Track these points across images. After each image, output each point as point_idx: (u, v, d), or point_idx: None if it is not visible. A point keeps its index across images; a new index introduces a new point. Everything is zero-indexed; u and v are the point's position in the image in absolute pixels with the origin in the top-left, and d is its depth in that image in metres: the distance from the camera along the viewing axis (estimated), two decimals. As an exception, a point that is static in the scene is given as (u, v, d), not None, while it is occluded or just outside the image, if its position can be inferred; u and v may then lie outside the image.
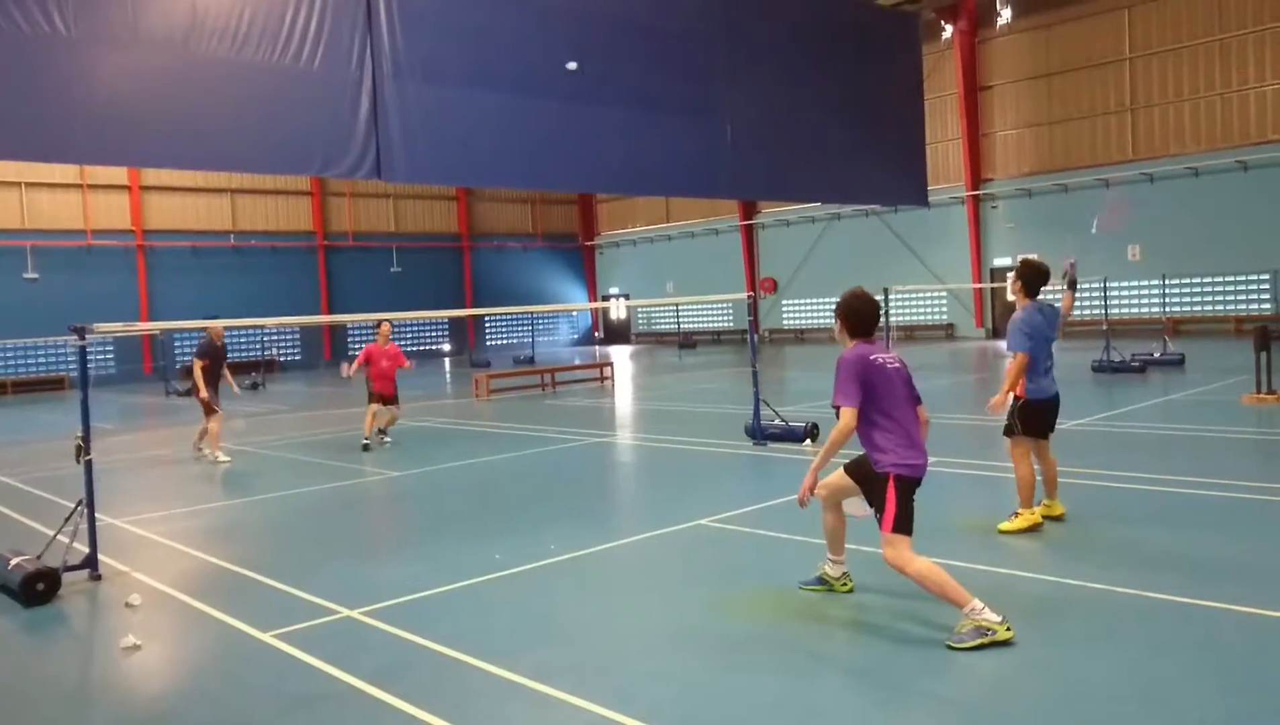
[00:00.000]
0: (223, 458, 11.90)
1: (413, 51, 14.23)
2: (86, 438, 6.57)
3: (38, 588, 6.08)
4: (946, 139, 31.60)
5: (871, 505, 4.98)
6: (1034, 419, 6.72)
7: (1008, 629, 4.52)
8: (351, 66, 13.74)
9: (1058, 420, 6.95)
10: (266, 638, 5.19)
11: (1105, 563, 5.79)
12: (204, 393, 11.83)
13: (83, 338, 6.58)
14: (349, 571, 6.52)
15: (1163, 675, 4.16)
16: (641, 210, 42.41)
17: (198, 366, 11.94)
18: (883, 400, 4.85)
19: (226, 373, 12.51)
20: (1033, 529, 6.59)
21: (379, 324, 12.94)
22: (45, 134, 11.91)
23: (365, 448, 12.23)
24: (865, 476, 4.99)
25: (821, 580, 5.49)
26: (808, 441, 10.97)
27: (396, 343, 13.27)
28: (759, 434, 11.28)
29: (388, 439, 12.87)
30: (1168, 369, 17.71)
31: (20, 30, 11.31)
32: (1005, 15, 28.41)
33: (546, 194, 41.96)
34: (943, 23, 30.15)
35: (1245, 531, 6.49)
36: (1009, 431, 6.79)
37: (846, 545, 5.50)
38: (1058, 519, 6.81)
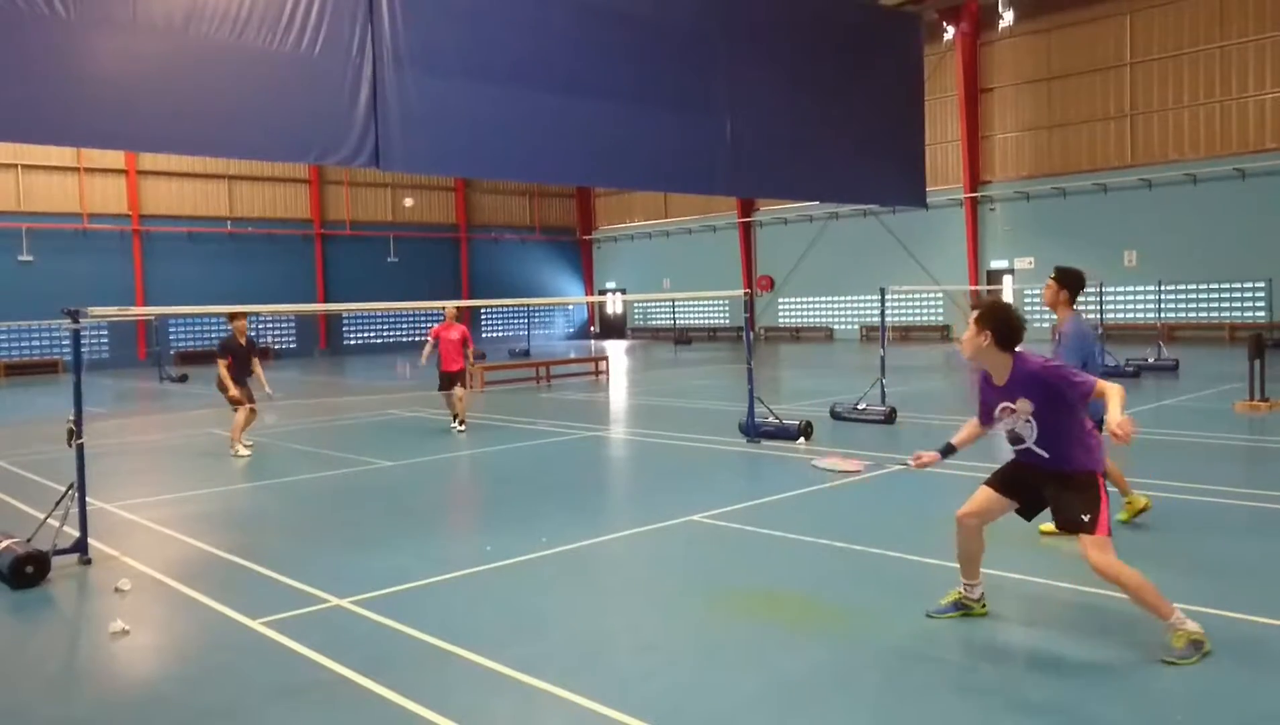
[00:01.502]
0: (243, 451, 11.34)
1: (413, 41, 14.18)
2: (79, 421, 6.55)
3: (27, 571, 6.07)
4: (946, 140, 31.61)
5: (1058, 514, 4.61)
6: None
7: (1201, 644, 4.32)
8: (352, 55, 13.69)
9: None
10: (255, 625, 5.19)
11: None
12: (232, 391, 11.43)
13: (77, 321, 6.56)
14: (339, 560, 6.51)
15: (1147, 680, 4.17)
16: (639, 205, 42.38)
17: (221, 366, 11.56)
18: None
19: (258, 368, 11.88)
20: (1143, 512, 6.72)
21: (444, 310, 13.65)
22: (42, 116, 11.83)
23: (460, 431, 12.73)
24: (1025, 484, 4.74)
25: (958, 605, 5.01)
26: (801, 439, 10.98)
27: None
28: (753, 431, 11.28)
29: (461, 429, 12.89)
30: (1161, 375, 17.75)
31: (19, 11, 11.24)
32: (1007, 18, 28.40)
33: (545, 187, 41.90)
34: (944, 24, 30.14)
35: (1235, 538, 6.52)
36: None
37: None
38: (1145, 510, 6.77)
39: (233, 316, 11.68)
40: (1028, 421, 4.60)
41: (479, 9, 15.00)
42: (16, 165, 29.14)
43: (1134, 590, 4.39)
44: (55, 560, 6.30)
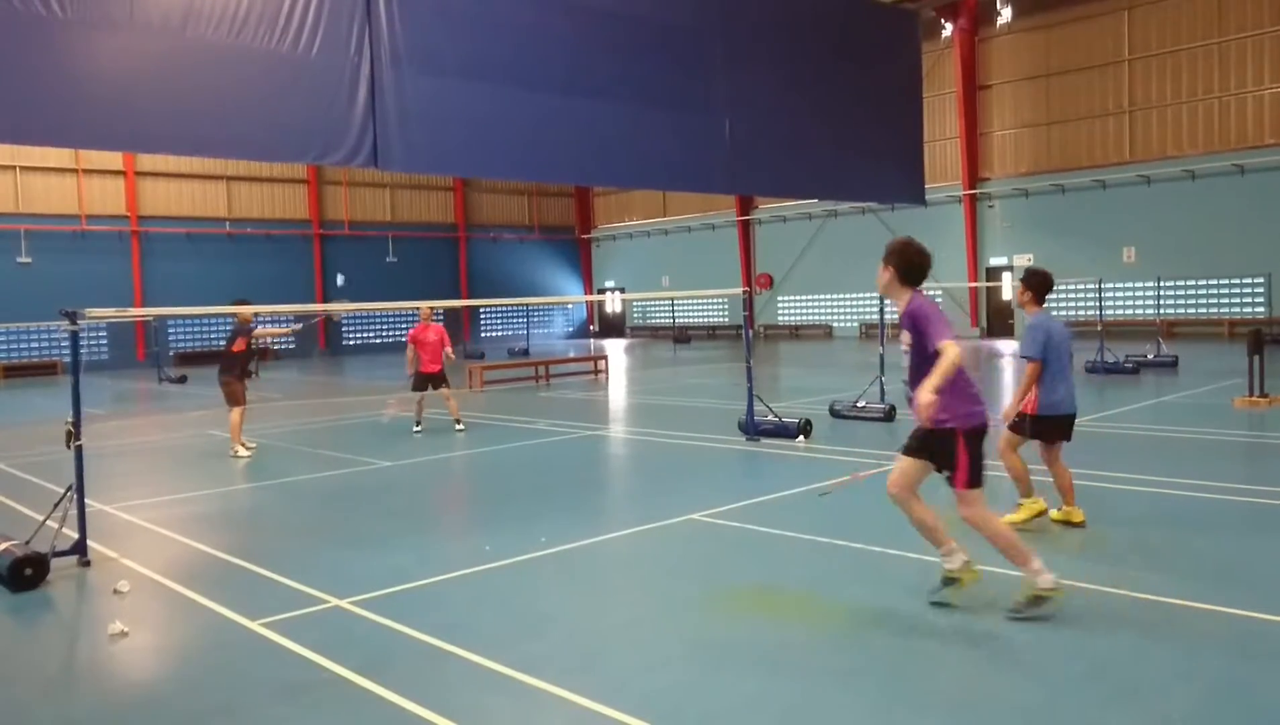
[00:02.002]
0: (243, 452, 11.30)
1: (411, 40, 14.16)
2: (77, 423, 6.54)
3: (26, 573, 6.06)
4: (944, 138, 31.60)
5: (940, 468, 4.97)
6: (1045, 430, 6.64)
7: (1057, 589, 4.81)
8: (350, 54, 13.67)
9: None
10: (254, 626, 5.18)
11: (1092, 563, 5.80)
12: (280, 331, 11.85)
13: (75, 323, 6.55)
14: (338, 561, 6.51)
15: (1147, 676, 4.17)
16: (638, 204, 42.37)
17: (241, 343, 11.58)
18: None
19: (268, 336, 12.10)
20: (1039, 516, 6.60)
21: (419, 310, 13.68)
22: (39, 117, 11.80)
23: (459, 430, 12.78)
24: (926, 444, 4.96)
25: (945, 582, 5.11)
26: (800, 438, 10.97)
27: (429, 327, 13.47)
28: (752, 430, 11.27)
29: (460, 427, 12.91)
30: (1161, 371, 17.75)
31: (15, 11, 11.22)
32: (1005, 15, 28.41)
33: (543, 186, 41.89)
34: (943, 21, 30.13)
35: (1234, 534, 6.51)
36: (1013, 428, 6.71)
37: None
38: (1078, 526, 6.60)
39: (239, 305, 11.38)
40: (905, 352, 5.02)
41: (476, 8, 14.98)
42: (14, 166, 29.12)
43: (993, 539, 4.95)
44: (54, 562, 6.29)
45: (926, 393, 4.53)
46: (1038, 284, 6.83)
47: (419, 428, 12.93)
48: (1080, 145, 28.99)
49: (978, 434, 4.87)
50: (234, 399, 11.49)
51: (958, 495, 4.90)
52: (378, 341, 37.11)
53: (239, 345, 11.64)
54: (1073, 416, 6.71)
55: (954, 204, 31.33)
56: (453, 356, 13.49)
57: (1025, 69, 29.86)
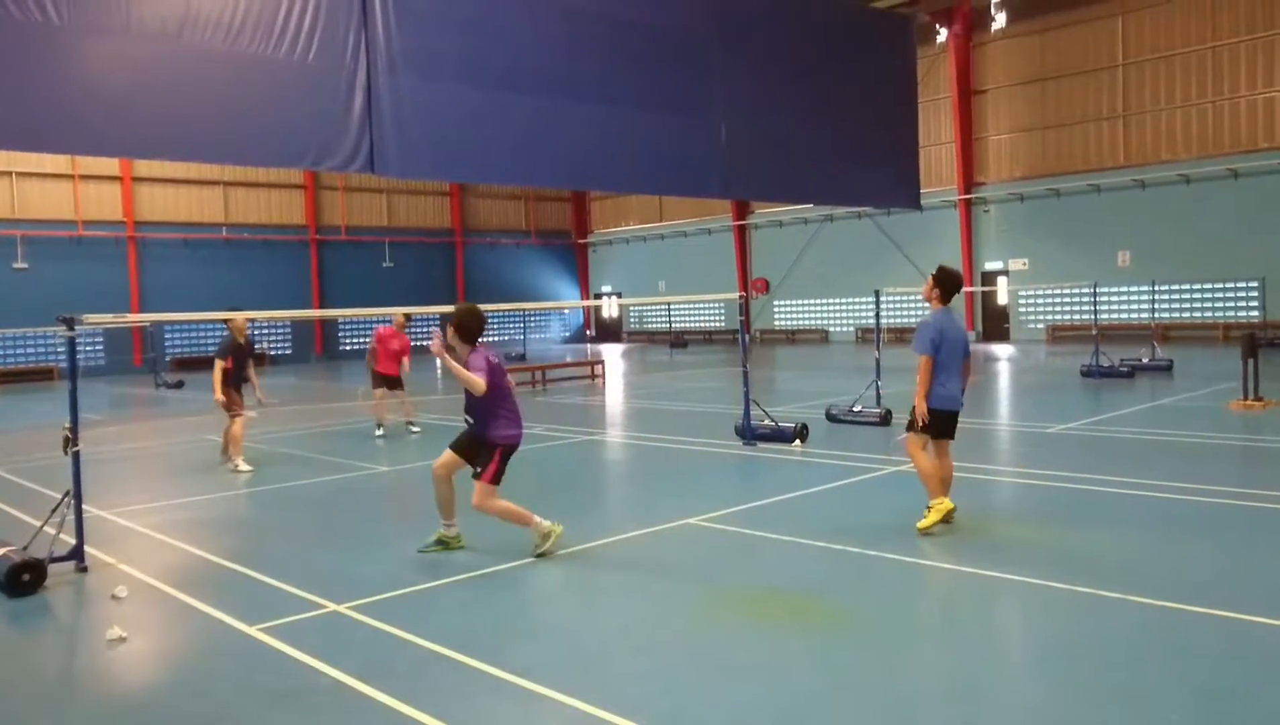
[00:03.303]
0: (244, 467, 10.63)
1: (407, 46, 14.20)
2: (75, 429, 6.55)
3: (23, 579, 6.06)
4: (939, 142, 31.67)
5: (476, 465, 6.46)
6: (932, 423, 6.86)
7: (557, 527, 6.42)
8: (346, 60, 13.69)
9: (957, 426, 7.07)
10: (252, 631, 5.19)
11: (1089, 567, 5.82)
12: (219, 396, 10.59)
13: (72, 328, 6.55)
14: (336, 566, 6.52)
15: (1144, 680, 4.19)
16: (635, 208, 42.42)
17: (218, 368, 10.72)
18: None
19: (252, 374, 11.19)
20: (946, 518, 6.71)
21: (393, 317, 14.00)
22: (36, 123, 11.82)
23: (380, 436, 13.00)
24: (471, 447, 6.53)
25: (440, 542, 6.70)
26: (797, 442, 10.99)
27: (409, 337, 13.99)
28: (749, 434, 11.29)
29: (415, 428, 13.22)
30: (1156, 374, 17.80)
31: (11, 18, 11.24)
32: (1000, 20, 28.50)
33: (540, 190, 41.91)
34: (937, 26, 30.21)
35: (1230, 537, 6.54)
36: (910, 427, 6.96)
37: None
38: (948, 515, 6.80)
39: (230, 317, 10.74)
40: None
41: (472, 14, 15.03)
42: (11, 172, 29.10)
43: (504, 515, 6.51)
44: (52, 568, 6.29)
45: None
46: (947, 281, 7.09)
47: (380, 432, 13.03)
48: (1075, 149, 29.07)
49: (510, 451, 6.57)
50: (233, 408, 10.82)
51: (477, 488, 6.44)
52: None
53: (225, 365, 10.75)
54: (956, 414, 7.00)
55: (949, 208, 31.41)
56: (407, 368, 13.49)
57: (1020, 74, 29.95)
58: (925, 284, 7.16)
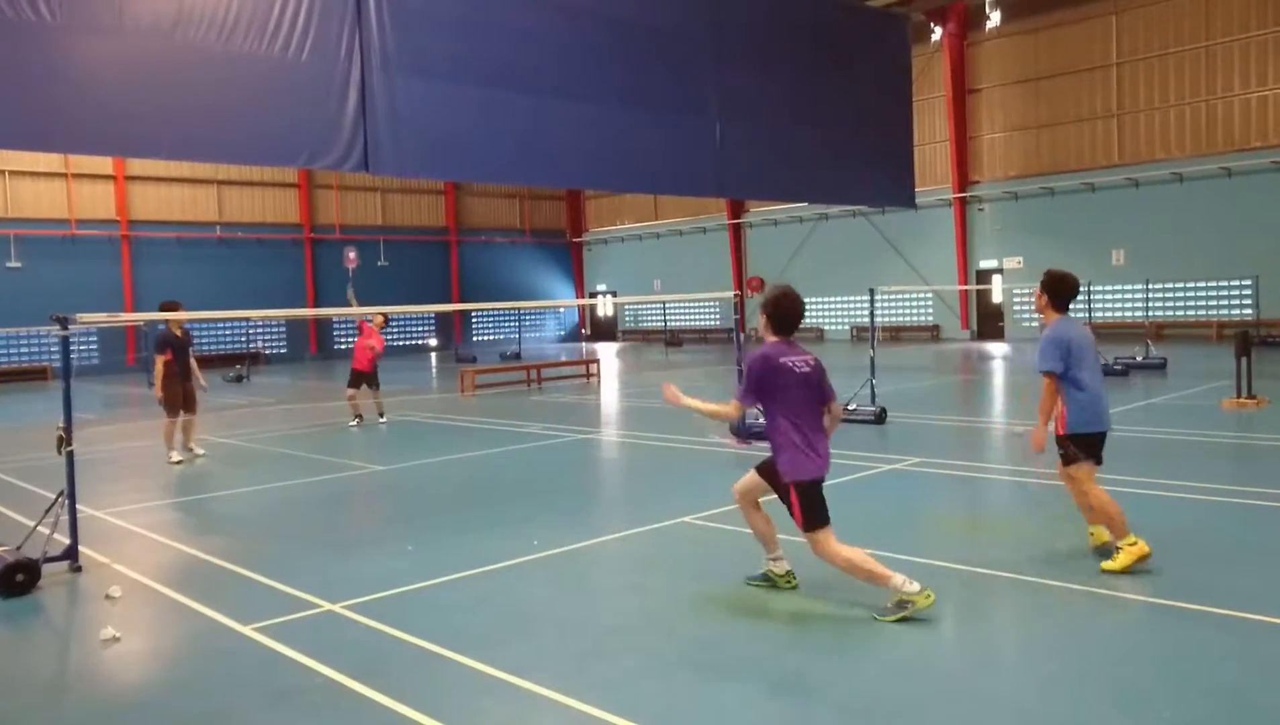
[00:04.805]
0: (175, 457, 11.05)
1: (401, 44, 14.16)
2: (68, 428, 6.53)
3: (17, 579, 6.05)
4: (934, 141, 31.72)
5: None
6: (1086, 447, 5.96)
7: (927, 596, 4.88)
8: (340, 58, 13.66)
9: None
10: (247, 631, 5.18)
11: (1080, 565, 5.84)
12: (159, 392, 11.03)
13: (65, 328, 6.54)
14: (330, 565, 6.51)
15: (1135, 676, 4.21)
16: (629, 207, 42.40)
17: (159, 362, 11.16)
18: (784, 402, 5.18)
19: (193, 363, 11.55)
20: (1142, 560, 5.58)
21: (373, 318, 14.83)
22: (28, 122, 11.77)
23: (356, 425, 13.93)
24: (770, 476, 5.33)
25: (766, 577, 5.64)
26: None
27: (383, 337, 14.93)
28: (744, 432, 11.30)
29: (383, 421, 14.11)
30: (1150, 373, 17.84)
31: (4, 16, 11.19)
32: (994, 19, 28.53)
33: (535, 189, 41.89)
34: (932, 25, 30.24)
35: (1225, 535, 6.56)
36: (1067, 460, 5.98)
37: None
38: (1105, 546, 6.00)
39: (167, 307, 10.80)
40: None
41: (466, 12, 14.99)
42: (4, 171, 29.00)
43: (849, 569, 5.06)
44: (46, 568, 6.28)
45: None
46: (1055, 286, 6.04)
47: (354, 423, 14.02)
48: (1069, 148, 29.13)
49: (810, 486, 5.14)
50: (170, 404, 11.12)
51: (808, 538, 5.20)
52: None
53: (166, 357, 11.13)
54: (1105, 435, 6.08)
55: (944, 207, 31.45)
56: (379, 351, 14.51)
57: (1014, 73, 30.00)
58: (1035, 296, 6.15)
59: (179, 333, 11.44)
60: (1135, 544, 5.59)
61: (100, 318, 7.47)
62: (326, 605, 5.56)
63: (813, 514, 5.09)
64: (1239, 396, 12.67)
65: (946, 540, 6.56)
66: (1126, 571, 5.55)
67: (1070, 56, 28.77)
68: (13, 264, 29.01)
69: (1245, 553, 6.05)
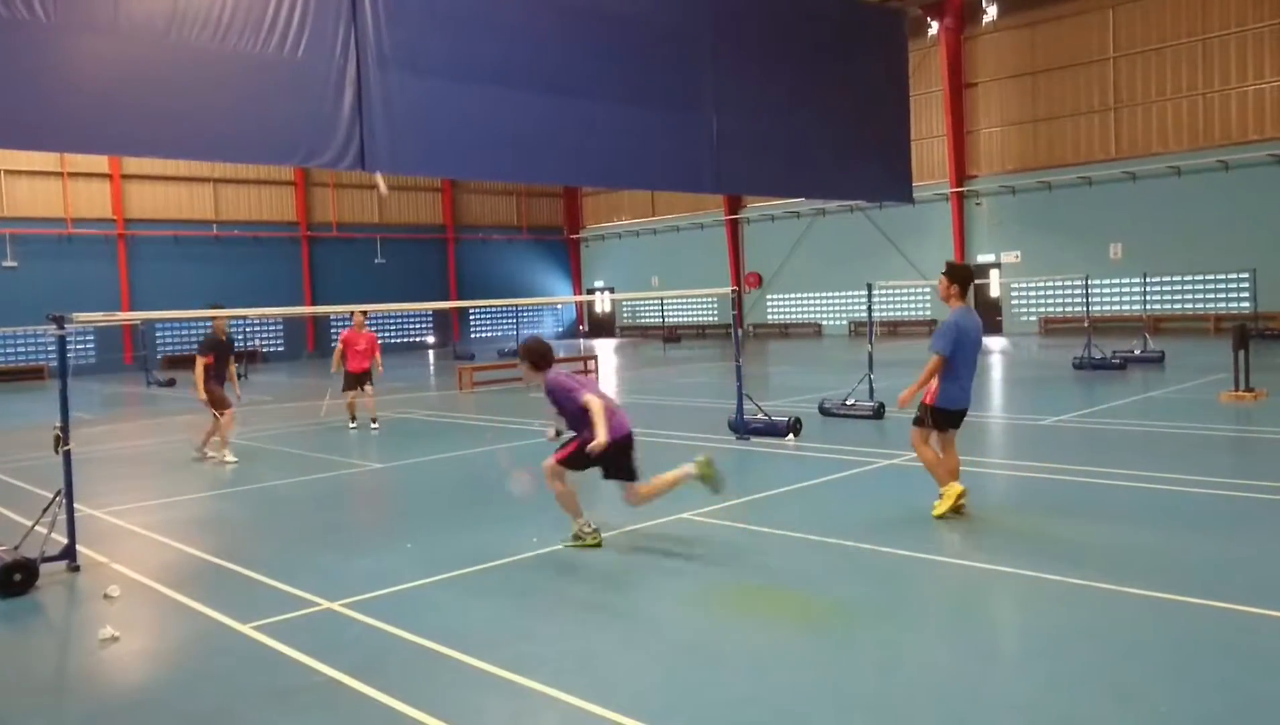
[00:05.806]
0: (230, 458, 10.95)
1: (397, 42, 14.14)
2: (65, 428, 6.52)
3: (15, 579, 6.03)
4: (931, 136, 31.70)
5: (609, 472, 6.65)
6: (941, 420, 6.98)
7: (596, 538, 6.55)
8: (335, 56, 13.63)
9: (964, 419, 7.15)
10: (246, 629, 5.18)
11: (1082, 558, 5.84)
12: (202, 394, 10.88)
13: (62, 327, 6.52)
14: (329, 564, 6.51)
15: (1136, 671, 4.21)
16: (627, 204, 42.37)
17: (200, 363, 11.01)
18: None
19: (232, 371, 11.50)
20: (959, 502, 6.81)
21: (352, 314, 14.39)
22: (24, 121, 11.74)
23: (374, 429, 13.43)
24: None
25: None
26: (790, 436, 11.00)
27: (375, 332, 14.61)
28: (742, 428, 11.30)
29: (375, 426, 13.51)
30: (1148, 366, 17.85)
31: (-1, 15, 11.17)
32: (991, 13, 28.52)
33: (532, 186, 41.86)
34: (928, 19, 30.23)
35: (1223, 529, 6.56)
36: (918, 422, 7.02)
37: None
38: (960, 500, 6.92)
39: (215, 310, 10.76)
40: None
41: (462, 9, 14.97)
42: (-1, 170, 28.97)
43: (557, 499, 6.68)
44: (44, 568, 6.27)
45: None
46: (962, 277, 7.07)
47: (354, 425, 13.68)
48: (1066, 142, 29.12)
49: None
50: (219, 404, 11.03)
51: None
52: (366, 343, 36.97)
53: (207, 361, 11.05)
54: (964, 413, 7.08)
55: (941, 202, 31.44)
56: (381, 368, 14.16)
57: (1011, 67, 29.98)
58: (940, 283, 7.12)
59: (224, 337, 11.30)
60: (951, 487, 6.82)
61: (97, 317, 7.47)
62: (325, 603, 5.55)
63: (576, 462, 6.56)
64: (1237, 389, 12.68)
65: (946, 536, 6.56)
66: (951, 513, 6.80)
67: (1067, 50, 28.75)
68: (9, 263, 28.96)
69: (1245, 546, 6.05)
